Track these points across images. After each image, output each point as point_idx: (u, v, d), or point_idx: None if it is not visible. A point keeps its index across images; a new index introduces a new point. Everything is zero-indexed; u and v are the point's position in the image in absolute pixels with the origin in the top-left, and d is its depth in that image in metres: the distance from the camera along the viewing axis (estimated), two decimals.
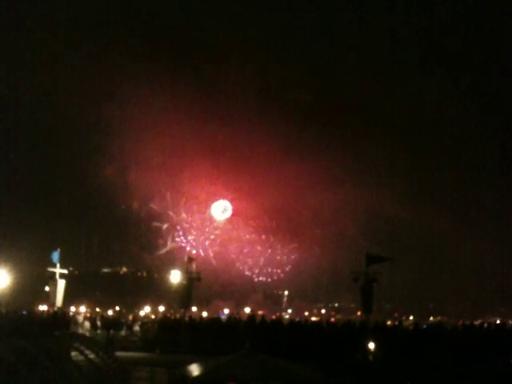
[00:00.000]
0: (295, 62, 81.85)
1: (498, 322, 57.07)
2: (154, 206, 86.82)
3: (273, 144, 79.05)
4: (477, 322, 52.47)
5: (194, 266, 42.73)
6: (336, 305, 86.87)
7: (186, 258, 43.84)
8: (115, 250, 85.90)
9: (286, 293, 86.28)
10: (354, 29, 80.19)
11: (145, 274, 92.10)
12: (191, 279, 38.98)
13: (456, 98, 76.69)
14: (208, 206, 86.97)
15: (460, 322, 43.27)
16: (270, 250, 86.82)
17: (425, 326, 36.40)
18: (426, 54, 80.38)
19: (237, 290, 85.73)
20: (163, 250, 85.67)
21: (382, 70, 79.72)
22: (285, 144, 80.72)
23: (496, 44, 75.16)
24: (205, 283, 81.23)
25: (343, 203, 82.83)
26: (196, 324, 38.96)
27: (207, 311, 73.23)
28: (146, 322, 44.54)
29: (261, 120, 78.55)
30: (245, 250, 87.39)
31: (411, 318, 71.33)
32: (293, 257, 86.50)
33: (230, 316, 41.59)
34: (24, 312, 46.92)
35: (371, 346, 29.82)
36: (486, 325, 43.35)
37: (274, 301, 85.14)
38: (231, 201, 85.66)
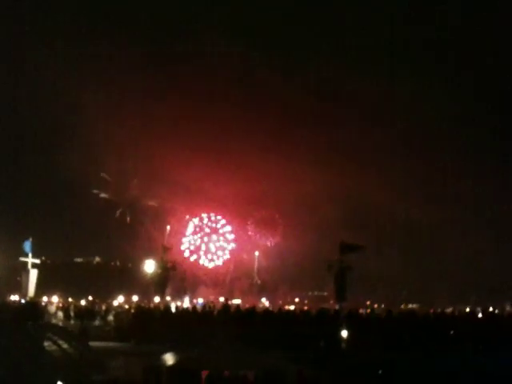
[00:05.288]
0: (282, 55, 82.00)
1: (468, 310, 58.27)
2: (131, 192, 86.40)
3: (255, 133, 79.15)
4: (448, 310, 53.52)
5: (168, 255, 42.98)
6: (316, 293, 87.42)
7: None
8: (90, 239, 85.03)
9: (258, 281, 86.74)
10: (352, 23, 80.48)
11: (118, 264, 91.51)
12: (166, 269, 39.15)
13: (437, 83, 77.83)
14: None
15: (432, 310, 44.00)
16: (257, 236, 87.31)
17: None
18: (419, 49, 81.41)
19: (221, 277, 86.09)
20: (143, 239, 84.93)
21: (371, 61, 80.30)
22: (266, 133, 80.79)
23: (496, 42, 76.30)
24: (190, 272, 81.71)
25: (324, 191, 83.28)
26: (170, 313, 38.98)
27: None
28: (119, 312, 44.34)
29: (245, 112, 78.63)
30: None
31: (383, 306, 72.28)
32: (274, 244, 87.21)
33: (204, 305, 41.65)
34: None
35: (344, 333, 30.25)
36: (456, 313, 44.38)
37: (259, 288, 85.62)
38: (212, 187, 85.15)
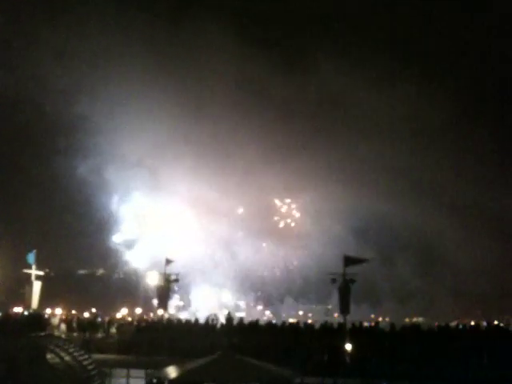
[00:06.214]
0: (281, 58, 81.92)
1: (473, 323, 57.83)
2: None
3: (256, 141, 78.77)
4: (452, 324, 53.18)
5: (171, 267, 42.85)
6: (320, 306, 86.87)
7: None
8: (95, 250, 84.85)
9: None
10: (346, 23, 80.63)
11: (122, 276, 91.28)
12: (169, 281, 39.09)
13: (445, 93, 77.57)
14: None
15: (436, 324, 43.77)
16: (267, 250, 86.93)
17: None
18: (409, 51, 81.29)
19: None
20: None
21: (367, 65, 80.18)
22: (269, 142, 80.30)
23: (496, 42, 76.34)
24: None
25: (329, 203, 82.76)
26: (174, 326, 38.91)
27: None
28: (122, 324, 44.27)
29: (244, 116, 78.14)
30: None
31: (387, 319, 71.84)
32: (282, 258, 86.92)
33: (208, 317, 41.56)
34: None
35: (348, 346, 30.13)
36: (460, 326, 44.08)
37: (263, 301, 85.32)
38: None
